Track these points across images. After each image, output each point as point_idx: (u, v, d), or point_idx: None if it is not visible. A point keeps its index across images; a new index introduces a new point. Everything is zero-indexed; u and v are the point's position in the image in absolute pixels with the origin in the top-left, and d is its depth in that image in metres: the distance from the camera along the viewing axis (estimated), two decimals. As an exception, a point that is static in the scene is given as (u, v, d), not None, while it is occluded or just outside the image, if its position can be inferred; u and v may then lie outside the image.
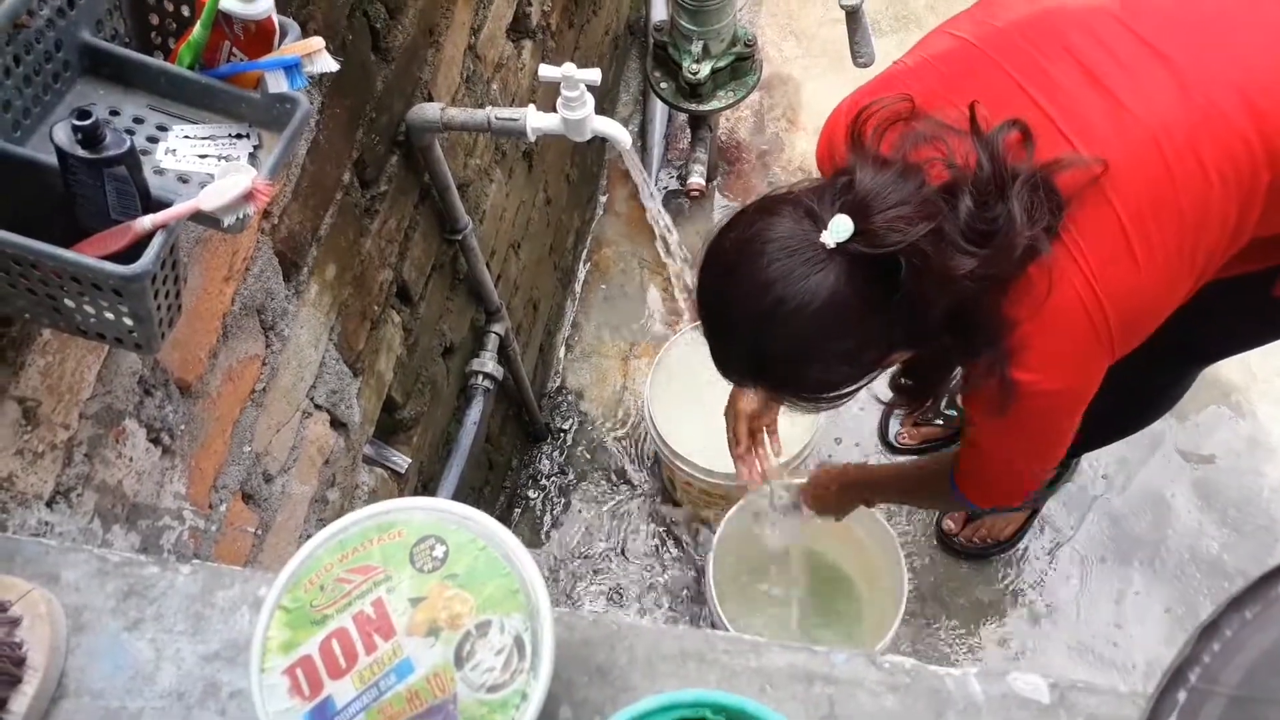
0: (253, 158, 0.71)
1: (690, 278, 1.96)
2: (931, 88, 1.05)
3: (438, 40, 1.38)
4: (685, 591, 2.15)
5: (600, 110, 2.62)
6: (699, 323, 1.11)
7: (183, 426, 0.93)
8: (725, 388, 2.07)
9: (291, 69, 0.67)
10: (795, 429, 1.97)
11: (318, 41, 0.68)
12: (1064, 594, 2.08)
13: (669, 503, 2.22)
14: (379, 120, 1.24)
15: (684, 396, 2.04)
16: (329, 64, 0.69)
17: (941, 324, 0.98)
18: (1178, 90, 0.99)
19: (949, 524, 2.11)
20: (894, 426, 2.26)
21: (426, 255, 1.47)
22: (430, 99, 1.38)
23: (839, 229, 0.93)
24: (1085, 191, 0.97)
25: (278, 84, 0.67)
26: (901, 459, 2.15)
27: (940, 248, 0.93)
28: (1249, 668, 0.71)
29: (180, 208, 0.62)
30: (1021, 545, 2.12)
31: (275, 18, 0.71)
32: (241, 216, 0.62)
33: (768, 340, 1.00)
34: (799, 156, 2.60)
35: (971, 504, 1.36)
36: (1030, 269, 0.97)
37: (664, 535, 2.21)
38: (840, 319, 0.96)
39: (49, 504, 0.77)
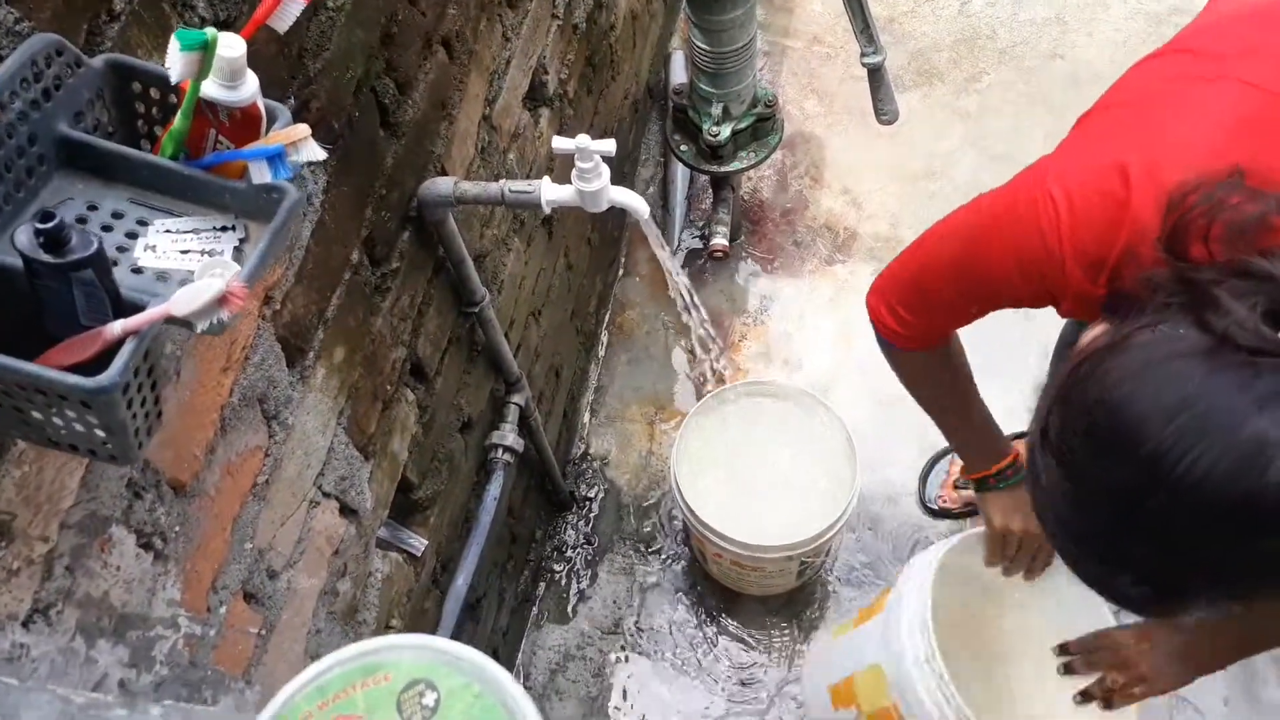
0: (239, 251, 0.67)
1: (715, 348, 1.88)
2: (1230, 144, 0.82)
3: (450, 113, 1.35)
4: (720, 667, 2.06)
5: (622, 173, 2.61)
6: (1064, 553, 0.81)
7: (177, 528, 0.88)
8: (754, 454, 2.03)
9: (275, 159, 0.63)
10: (836, 488, 1.90)
11: (303, 129, 0.64)
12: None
13: (700, 573, 2.14)
14: (389, 196, 1.21)
15: (712, 464, 1.97)
16: (316, 153, 0.65)
17: None
18: None
19: None
20: (931, 489, 2.18)
21: (442, 330, 1.43)
22: (444, 172, 1.35)
23: None
24: None
25: (261, 175, 0.63)
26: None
27: None
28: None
29: (151, 313, 0.57)
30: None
31: (261, 103, 0.67)
32: (216, 322, 0.57)
33: (1270, 538, 0.71)
34: (823, 214, 2.55)
35: None
36: None
37: (696, 607, 2.13)
38: None
39: (25, 624, 0.71)
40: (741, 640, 2.09)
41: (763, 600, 2.10)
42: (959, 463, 2.13)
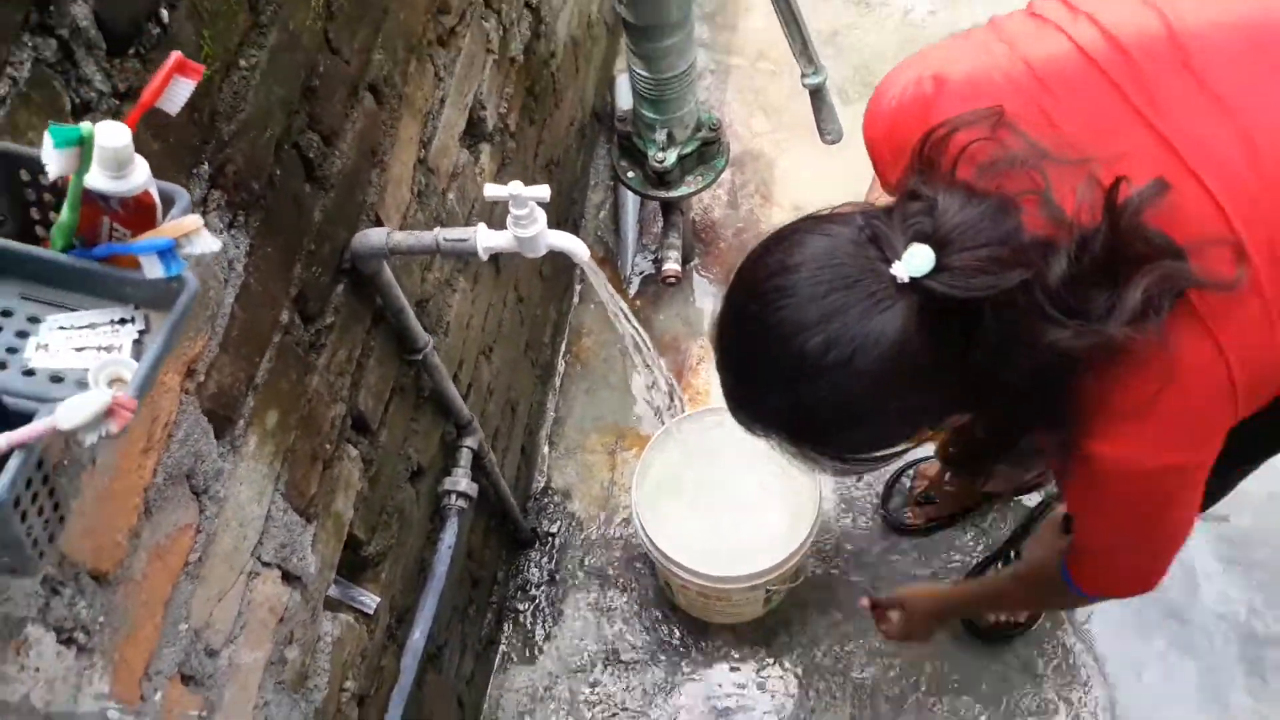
0: (139, 344, 0.64)
1: (662, 376, 1.88)
2: (1028, 97, 0.90)
3: (382, 160, 1.33)
4: (694, 699, 2.04)
5: (571, 199, 2.59)
6: (719, 364, 0.93)
7: (101, 619, 0.85)
8: (715, 482, 2.01)
9: (166, 253, 0.60)
10: (797, 521, 1.88)
11: (193, 221, 0.61)
12: (1089, 672, 1.98)
13: (668, 605, 2.12)
14: (319, 252, 1.18)
15: (673, 495, 1.95)
16: (210, 244, 0.62)
17: (1020, 389, 0.84)
18: None
19: None
20: (895, 503, 2.17)
21: (384, 381, 1.40)
22: (378, 221, 1.32)
23: (917, 261, 0.79)
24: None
25: (153, 269, 0.60)
26: (979, 580, 1.96)
27: (1030, 304, 0.79)
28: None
29: (35, 428, 0.54)
30: (1041, 623, 2.01)
31: (154, 190, 0.64)
32: (105, 434, 0.55)
33: (812, 391, 0.83)
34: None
35: (1101, 598, 1.26)
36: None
37: (665, 641, 2.11)
38: (903, 371, 0.81)
39: (-67, 742, 0.68)
40: (713, 671, 2.07)
41: (733, 629, 2.08)
42: (923, 477, 2.13)
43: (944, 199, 0.82)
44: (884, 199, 1.25)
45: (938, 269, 0.79)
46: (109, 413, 0.54)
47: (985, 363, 0.82)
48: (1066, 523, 1.22)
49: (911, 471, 2.16)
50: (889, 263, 0.80)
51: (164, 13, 0.85)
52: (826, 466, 0.96)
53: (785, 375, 0.85)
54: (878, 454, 0.94)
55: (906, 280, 0.79)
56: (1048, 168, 0.83)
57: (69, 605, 0.80)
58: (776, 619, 2.09)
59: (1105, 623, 2.01)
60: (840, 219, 0.87)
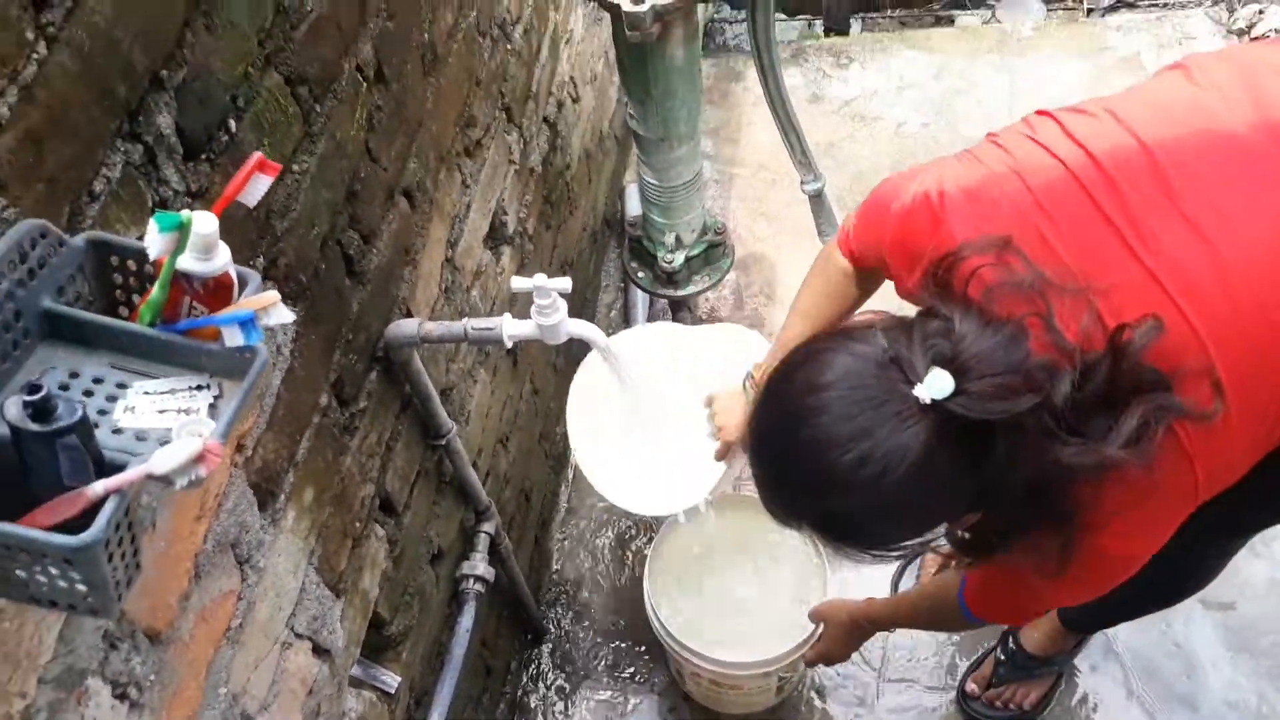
0: (213, 408, 0.72)
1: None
2: (1026, 219, 0.98)
3: (414, 258, 1.43)
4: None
5: (584, 299, 2.69)
6: (752, 471, 1.02)
7: (152, 677, 0.90)
8: (728, 569, 2.05)
9: (247, 324, 0.68)
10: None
11: (272, 295, 0.70)
12: (1101, 766, 1.98)
13: (679, 695, 2.13)
14: (356, 340, 1.26)
15: (686, 582, 1.99)
16: (285, 316, 0.71)
17: (1026, 495, 0.92)
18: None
19: (971, 686, 2.01)
20: (907, 581, 2.20)
21: (410, 464, 1.47)
22: (409, 314, 1.41)
23: (938, 385, 0.86)
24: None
25: (234, 338, 0.68)
26: (891, 597, 2.07)
27: (1037, 424, 0.88)
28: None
29: (131, 473, 0.61)
30: (1049, 712, 2.02)
31: (233, 271, 0.73)
32: (194, 479, 0.62)
33: (843, 501, 0.92)
34: (778, 329, 2.63)
35: (983, 622, 1.35)
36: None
37: (677, 732, 2.11)
38: (925, 482, 0.89)
39: (3, 781, 0.73)
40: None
41: (744, 719, 2.09)
42: (929, 567, 2.17)
43: (960, 324, 0.90)
44: (836, 261, 1.39)
45: (956, 392, 0.87)
46: (199, 458, 0.61)
47: (997, 472, 0.90)
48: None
49: (919, 559, 2.20)
50: (911, 384, 0.88)
51: (232, 123, 0.96)
52: (854, 555, 1.04)
53: (818, 486, 0.93)
54: (902, 545, 1.01)
55: (929, 402, 0.87)
56: (1049, 292, 0.92)
57: (125, 660, 0.86)
58: (788, 708, 2.10)
59: (1118, 712, 2.02)
60: (861, 338, 0.94)
